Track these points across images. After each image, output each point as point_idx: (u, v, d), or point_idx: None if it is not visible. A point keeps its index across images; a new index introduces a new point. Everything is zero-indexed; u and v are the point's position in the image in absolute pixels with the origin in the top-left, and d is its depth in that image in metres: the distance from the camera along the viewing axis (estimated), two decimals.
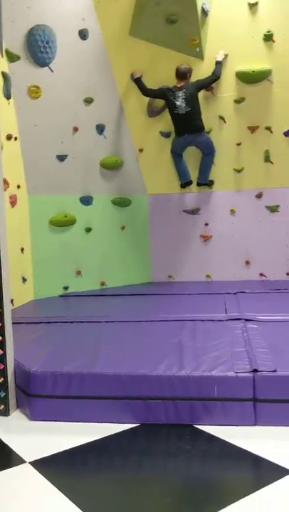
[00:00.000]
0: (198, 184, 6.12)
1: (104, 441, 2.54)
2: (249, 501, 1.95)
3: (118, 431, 2.62)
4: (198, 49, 5.69)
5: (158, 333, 3.58)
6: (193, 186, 6.16)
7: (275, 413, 2.60)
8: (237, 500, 1.95)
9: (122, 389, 2.72)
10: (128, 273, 6.17)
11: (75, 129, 5.62)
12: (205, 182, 6.08)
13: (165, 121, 6.02)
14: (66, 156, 5.60)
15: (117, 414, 2.73)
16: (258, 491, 2.01)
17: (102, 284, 5.96)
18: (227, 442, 2.45)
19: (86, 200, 5.82)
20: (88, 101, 5.66)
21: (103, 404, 2.74)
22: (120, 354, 3.07)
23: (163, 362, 2.85)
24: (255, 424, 2.60)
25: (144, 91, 5.71)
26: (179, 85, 5.58)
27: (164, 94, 5.65)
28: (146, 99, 5.95)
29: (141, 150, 6.13)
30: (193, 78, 5.70)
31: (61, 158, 5.57)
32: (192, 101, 5.54)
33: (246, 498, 1.97)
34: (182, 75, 5.54)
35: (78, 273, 5.79)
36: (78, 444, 2.49)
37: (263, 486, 2.04)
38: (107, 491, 2.12)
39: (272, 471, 2.16)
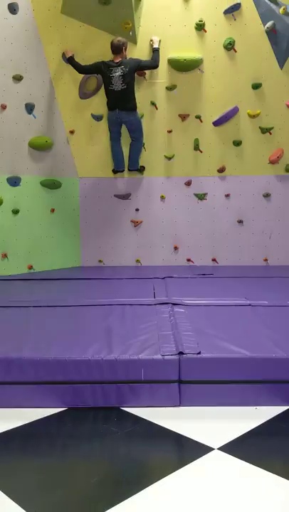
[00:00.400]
0: (130, 170, 6.14)
1: (31, 426, 2.52)
2: (172, 479, 2.03)
3: (45, 415, 2.61)
4: (131, 33, 5.65)
5: (86, 318, 3.58)
6: (125, 171, 6.17)
7: (198, 394, 2.71)
8: (160, 478, 2.02)
9: (49, 374, 2.70)
10: (57, 257, 6.10)
11: (3, 107, 5.41)
12: (135, 168, 6.10)
13: (97, 104, 5.95)
14: None
15: (44, 399, 2.71)
16: (180, 469, 2.09)
17: (30, 267, 5.85)
18: (152, 423, 2.52)
19: (13, 181, 5.65)
20: (17, 78, 5.46)
21: (30, 390, 2.72)
22: (48, 339, 3.04)
23: (91, 346, 2.87)
24: (179, 405, 2.70)
25: (79, 69, 5.58)
26: (116, 60, 5.49)
27: (100, 69, 5.55)
28: (78, 80, 5.83)
29: (72, 132, 6.03)
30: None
31: None
32: (129, 78, 5.49)
33: (169, 476, 2.05)
34: (117, 48, 5.45)
35: (4, 256, 5.63)
36: (4, 430, 2.46)
37: (186, 464, 2.13)
38: (33, 474, 2.12)
39: (195, 450, 2.26)
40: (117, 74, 5.45)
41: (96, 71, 5.62)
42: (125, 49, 5.52)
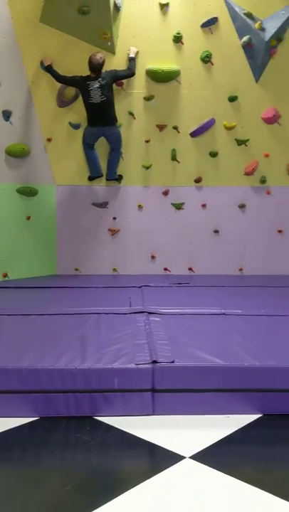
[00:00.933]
0: (108, 179, 6.16)
1: (3, 435, 2.49)
2: (143, 488, 2.03)
3: (17, 425, 2.58)
4: (109, 43, 5.70)
5: (61, 327, 3.57)
6: (102, 180, 6.19)
7: (171, 403, 2.72)
8: (132, 487, 2.02)
9: (21, 383, 2.68)
10: (32, 265, 6.05)
11: None
12: (113, 177, 6.13)
13: (75, 112, 5.97)
14: None
15: (16, 408, 2.68)
16: (152, 478, 2.09)
17: (5, 275, 5.78)
18: (125, 432, 2.52)
19: None
20: None
21: (2, 399, 2.69)
22: (21, 348, 3.01)
23: (65, 355, 2.86)
24: (152, 414, 2.70)
25: (58, 78, 5.58)
26: (93, 75, 5.51)
27: (78, 83, 5.56)
28: (57, 88, 5.84)
29: (49, 139, 6.02)
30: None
31: None
32: (107, 90, 5.52)
33: (141, 484, 2.05)
34: (96, 67, 5.45)
35: None
36: None
37: (157, 473, 2.13)
38: (5, 484, 2.09)
39: (167, 458, 2.26)
40: (95, 86, 5.47)
41: (73, 84, 5.62)
42: (102, 66, 5.52)
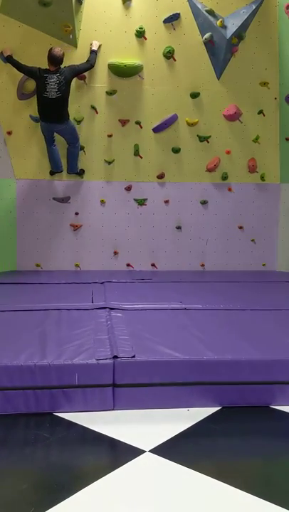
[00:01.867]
0: (69, 173, 6.09)
1: None
2: (103, 483, 2.03)
3: None
4: (71, 36, 5.62)
5: (21, 323, 3.51)
6: (64, 174, 6.11)
7: (132, 397, 2.73)
8: (92, 482, 2.02)
9: None
10: None
11: None
12: (74, 171, 6.06)
13: (35, 105, 5.84)
14: None
15: None
16: (111, 473, 2.10)
17: None
18: (86, 428, 2.51)
19: None
20: None
21: None
22: None
23: (24, 352, 2.82)
24: (113, 409, 2.70)
25: (18, 67, 5.42)
26: (52, 69, 5.39)
27: (35, 74, 5.41)
28: (17, 80, 5.72)
29: (9, 133, 5.90)
30: (66, 65, 5.59)
31: None
32: (64, 87, 5.40)
33: (100, 480, 2.04)
34: (56, 61, 5.33)
35: None
36: None
37: (117, 468, 2.14)
38: None
39: (127, 453, 2.27)
40: (52, 81, 5.33)
41: (31, 75, 5.46)
42: (62, 61, 5.41)
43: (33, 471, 2.16)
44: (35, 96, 5.68)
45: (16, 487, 2.00)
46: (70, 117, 5.68)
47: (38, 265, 6.19)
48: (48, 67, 5.36)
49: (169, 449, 2.30)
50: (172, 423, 2.56)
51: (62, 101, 5.42)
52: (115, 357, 2.75)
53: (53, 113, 5.45)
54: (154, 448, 2.29)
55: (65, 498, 1.90)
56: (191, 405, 2.73)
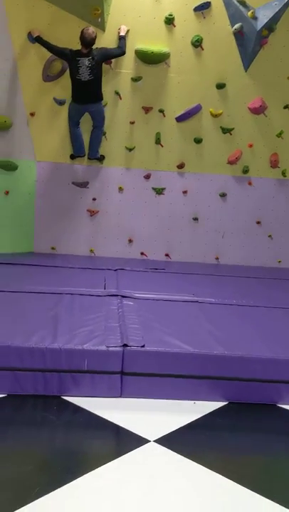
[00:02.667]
0: (89, 158, 6.08)
1: None
2: (106, 469, 2.05)
3: None
4: (100, 20, 5.57)
5: (34, 305, 3.54)
6: (84, 159, 6.10)
7: (139, 386, 2.74)
8: (94, 468, 2.05)
9: None
10: (9, 241, 5.96)
11: None
12: (95, 156, 6.05)
13: (60, 88, 5.84)
14: None
15: None
16: (115, 460, 2.12)
17: None
18: (92, 413, 2.54)
19: None
20: None
21: None
22: None
23: (36, 334, 2.85)
24: (120, 396, 2.73)
25: (49, 47, 5.40)
26: (84, 51, 5.38)
27: (67, 56, 5.42)
28: (43, 62, 5.70)
29: (32, 114, 5.89)
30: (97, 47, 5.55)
31: None
32: (96, 69, 5.40)
33: (104, 466, 2.07)
34: (89, 42, 5.32)
35: None
36: None
37: (121, 455, 2.16)
38: None
39: (131, 441, 2.29)
40: (84, 64, 5.35)
41: (62, 56, 5.49)
42: (94, 41, 5.41)
43: (39, 453, 2.20)
44: (61, 78, 5.68)
45: (21, 467, 2.03)
46: None
47: (53, 248, 6.22)
48: (79, 49, 5.35)
49: (173, 440, 2.32)
50: (178, 415, 2.57)
51: (95, 82, 5.43)
52: (125, 345, 2.77)
53: (87, 94, 5.48)
54: (159, 438, 2.31)
55: (68, 482, 1.94)
56: (197, 398, 2.74)
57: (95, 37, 5.33)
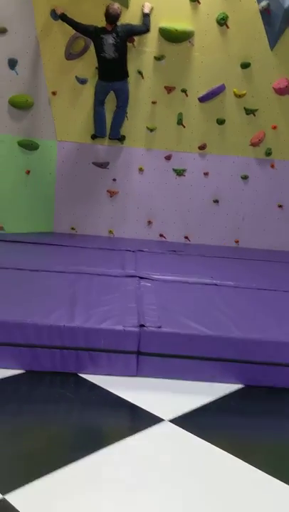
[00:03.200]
0: (110, 138, 6.05)
1: None
2: (121, 446, 2.08)
3: (2, 377, 2.62)
4: None
5: (53, 284, 3.58)
6: (105, 139, 6.08)
7: (155, 366, 2.76)
8: (108, 445, 2.08)
9: (8, 336, 2.70)
10: (29, 220, 6.01)
11: None
12: (116, 137, 6.02)
13: (83, 66, 5.80)
14: None
15: (2, 360, 2.72)
16: (129, 437, 2.15)
17: (0, 228, 5.76)
18: (108, 391, 2.57)
19: None
20: (1, 31, 5.25)
21: None
22: (11, 301, 3.03)
23: (54, 312, 2.88)
24: (136, 376, 2.75)
25: (73, 24, 5.37)
26: (109, 28, 5.33)
27: (91, 34, 5.39)
28: (66, 39, 5.66)
29: (54, 93, 5.88)
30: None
31: None
32: (121, 46, 5.37)
33: (118, 442, 2.10)
34: (113, 18, 5.28)
35: None
36: None
37: (135, 433, 2.19)
38: None
39: (146, 420, 2.32)
40: (109, 42, 5.31)
41: (87, 34, 5.45)
42: (119, 17, 5.35)
43: (55, 429, 2.24)
44: (83, 56, 5.64)
45: (37, 442, 2.08)
46: None
47: (73, 228, 6.26)
48: (103, 26, 5.30)
49: (187, 421, 2.33)
50: (193, 396, 2.58)
51: (121, 59, 5.42)
52: (142, 325, 2.78)
53: (113, 71, 5.47)
54: (174, 418, 2.33)
55: (82, 457, 1.97)
56: (212, 380, 2.75)
57: (120, 13, 5.28)
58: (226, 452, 2.09)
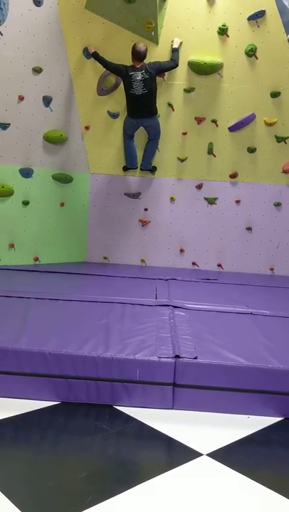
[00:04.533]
0: (142, 169, 6.15)
1: (24, 417, 2.54)
2: (158, 481, 2.03)
3: (38, 407, 2.63)
4: (153, 33, 5.65)
5: (86, 314, 3.59)
6: (136, 170, 6.18)
7: (192, 398, 2.71)
8: (147, 479, 2.03)
9: (45, 367, 2.72)
10: (63, 251, 6.12)
11: (21, 98, 5.43)
12: (148, 168, 6.11)
13: (114, 101, 5.96)
14: (9, 124, 5.41)
15: (38, 391, 2.73)
16: (167, 472, 2.10)
17: (36, 259, 5.87)
18: (144, 424, 2.53)
19: (26, 173, 5.67)
20: (37, 70, 5.48)
21: (25, 381, 2.73)
22: (47, 332, 3.05)
23: (88, 342, 2.88)
24: (172, 408, 2.70)
25: (104, 63, 5.56)
26: (137, 65, 5.49)
27: (121, 73, 5.55)
28: (98, 76, 5.84)
29: (87, 127, 6.04)
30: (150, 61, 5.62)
31: (3, 126, 5.38)
32: (150, 83, 5.49)
33: (156, 477, 2.05)
34: (140, 56, 5.44)
35: (11, 246, 5.66)
36: None
37: (174, 467, 2.14)
38: (22, 465, 2.13)
39: (184, 454, 2.26)
40: (138, 78, 5.45)
41: (117, 73, 5.61)
42: (146, 55, 5.51)
43: (92, 461, 2.21)
44: (114, 92, 5.80)
45: (75, 475, 2.05)
46: None
47: (105, 258, 6.31)
48: (132, 64, 5.46)
49: (227, 455, 2.26)
50: (231, 429, 2.52)
51: (150, 96, 5.54)
52: (177, 356, 2.75)
53: (142, 108, 5.60)
54: (212, 452, 2.27)
55: (120, 492, 1.93)
56: (251, 413, 2.67)
57: (146, 50, 5.43)
58: (267, 488, 2.01)
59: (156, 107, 5.70)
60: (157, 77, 5.72)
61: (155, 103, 5.67)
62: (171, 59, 5.64)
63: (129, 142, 5.94)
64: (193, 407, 2.69)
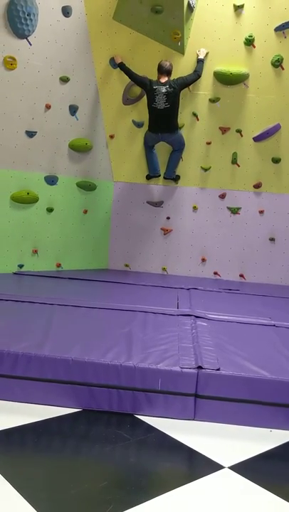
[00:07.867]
0: (165, 178, 6.17)
1: (45, 423, 2.55)
2: (179, 493, 2.02)
3: (60, 414, 2.64)
4: (179, 43, 5.69)
5: (109, 322, 3.61)
6: (159, 179, 6.20)
7: (213, 410, 2.69)
8: (168, 491, 2.02)
9: (67, 374, 2.73)
10: (85, 257, 6.16)
11: (48, 107, 5.52)
12: (171, 177, 6.13)
13: (139, 111, 6.01)
14: (35, 132, 5.50)
15: (60, 397, 2.74)
16: (188, 484, 2.08)
17: (58, 265, 5.93)
18: (165, 434, 2.52)
19: (51, 180, 5.75)
20: (64, 80, 5.56)
21: (47, 387, 2.75)
22: (69, 339, 3.07)
23: (111, 350, 2.89)
24: (193, 419, 2.69)
25: (130, 74, 5.62)
26: (162, 80, 5.54)
27: (145, 85, 5.60)
28: (123, 85, 5.91)
29: (112, 136, 6.10)
30: (173, 74, 5.66)
31: (30, 134, 5.47)
32: (173, 98, 5.52)
33: (177, 489, 2.04)
34: (166, 72, 5.52)
35: (35, 252, 5.73)
36: (18, 425, 2.50)
37: (194, 479, 2.12)
38: (43, 472, 2.14)
39: (205, 466, 2.24)
40: (161, 91, 5.48)
41: (141, 85, 5.67)
42: (171, 72, 5.56)
43: (113, 470, 2.21)
44: (140, 101, 5.85)
45: (96, 483, 2.05)
46: None
47: (127, 265, 6.34)
48: (157, 79, 5.51)
49: (249, 468, 2.24)
50: (254, 442, 2.49)
51: (172, 112, 5.54)
52: (199, 367, 2.73)
53: (162, 123, 5.61)
54: (234, 465, 2.24)
55: (141, 502, 1.92)
56: (274, 426, 2.64)
57: (171, 66, 5.51)
58: None
59: (177, 123, 5.69)
60: (182, 90, 5.74)
61: (176, 119, 5.66)
62: (195, 70, 5.66)
63: (149, 152, 5.98)
64: (215, 418, 2.67)
